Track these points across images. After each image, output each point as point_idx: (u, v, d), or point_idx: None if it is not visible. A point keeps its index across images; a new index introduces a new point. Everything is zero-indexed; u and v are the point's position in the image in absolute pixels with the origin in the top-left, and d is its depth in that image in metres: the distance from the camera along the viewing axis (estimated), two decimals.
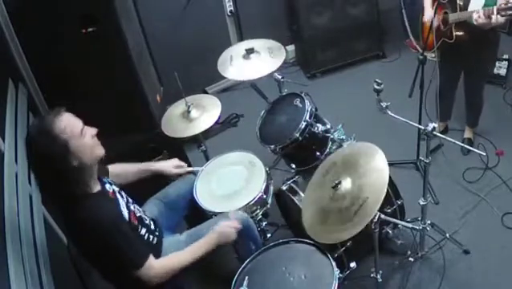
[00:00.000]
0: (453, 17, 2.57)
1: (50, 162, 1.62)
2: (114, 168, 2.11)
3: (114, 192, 1.91)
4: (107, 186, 1.89)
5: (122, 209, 1.87)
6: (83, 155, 1.66)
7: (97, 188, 1.79)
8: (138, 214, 1.99)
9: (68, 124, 1.65)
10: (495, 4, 2.35)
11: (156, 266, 1.81)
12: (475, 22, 2.40)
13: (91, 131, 1.72)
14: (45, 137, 1.60)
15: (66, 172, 1.64)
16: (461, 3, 2.53)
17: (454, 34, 2.60)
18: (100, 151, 1.76)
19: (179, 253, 1.91)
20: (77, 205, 1.69)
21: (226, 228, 2.00)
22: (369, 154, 1.94)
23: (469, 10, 2.49)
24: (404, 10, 3.75)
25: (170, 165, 2.29)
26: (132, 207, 1.97)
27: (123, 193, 1.98)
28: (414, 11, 3.10)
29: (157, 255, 1.92)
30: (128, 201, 1.98)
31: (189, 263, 1.89)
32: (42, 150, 1.61)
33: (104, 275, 1.90)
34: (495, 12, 2.31)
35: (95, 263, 1.85)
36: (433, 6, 2.61)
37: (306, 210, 2.03)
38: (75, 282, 2.32)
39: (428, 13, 2.73)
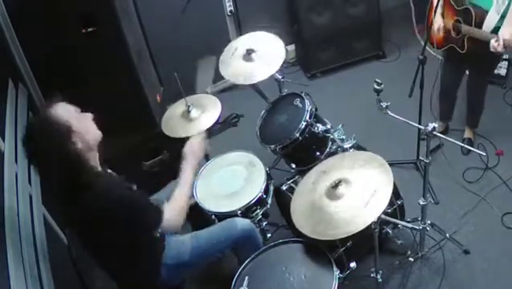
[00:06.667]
0: (467, 30, 2.53)
1: (57, 148, 1.63)
2: None
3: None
4: (109, 171, 1.94)
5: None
6: (86, 134, 1.71)
7: (100, 168, 1.83)
8: None
9: (65, 109, 1.71)
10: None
11: (168, 212, 1.85)
12: (492, 49, 2.36)
13: (88, 115, 1.78)
14: (47, 124, 1.64)
15: (73, 156, 1.66)
16: (476, 18, 2.47)
17: (466, 46, 2.58)
18: (99, 133, 1.80)
19: (175, 192, 1.96)
20: (90, 185, 1.69)
21: (194, 148, 2.12)
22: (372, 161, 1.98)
23: (484, 28, 2.45)
24: None
25: None
26: None
27: None
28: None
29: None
30: None
31: (188, 194, 1.99)
32: (46, 137, 1.62)
33: (122, 266, 1.91)
34: None
35: (114, 252, 1.85)
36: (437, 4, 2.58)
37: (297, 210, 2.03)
38: (75, 282, 2.32)
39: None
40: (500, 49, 2.34)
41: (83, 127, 1.72)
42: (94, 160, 1.78)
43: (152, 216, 1.82)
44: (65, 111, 1.69)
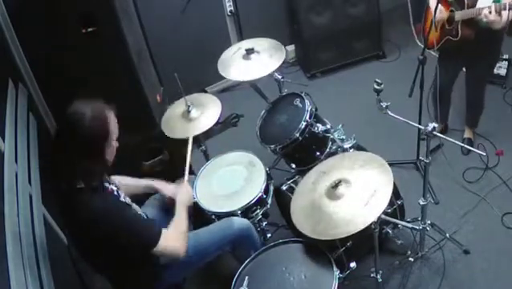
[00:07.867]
0: (459, 14, 2.53)
1: (90, 140, 1.68)
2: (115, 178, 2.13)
3: (112, 190, 1.93)
4: (106, 184, 1.92)
5: (124, 199, 1.95)
6: (112, 151, 1.79)
7: (97, 184, 1.82)
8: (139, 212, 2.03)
9: (115, 121, 1.79)
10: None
11: (170, 234, 1.86)
12: (485, 19, 2.35)
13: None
14: (99, 117, 1.70)
15: (96, 158, 1.72)
16: (469, 2, 2.48)
17: (460, 32, 2.57)
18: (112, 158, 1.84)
19: (175, 220, 1.96)
20: (84, 197, 1.71)
21: (185, 196, 2.11)
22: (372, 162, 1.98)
23: (477, 7, 2.44)
24: None
25: (171, 189, 2.25)
26: (134, 205, 2.02)
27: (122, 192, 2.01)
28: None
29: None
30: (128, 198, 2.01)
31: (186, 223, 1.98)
32: (90, 126, 1.66)
33: (118, 268, 1.91)
34: (507, 7, 2.27)
35: (109, 257, 1.85)
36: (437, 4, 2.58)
37: (297, 210, 2.03)
38: (75, 282, 2.32)
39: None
40: (492, 17, 2.32)
41: (113, 144, 1.78)
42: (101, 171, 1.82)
43: (149, 233, 1.82)
44: (114, 123, 1.77)
